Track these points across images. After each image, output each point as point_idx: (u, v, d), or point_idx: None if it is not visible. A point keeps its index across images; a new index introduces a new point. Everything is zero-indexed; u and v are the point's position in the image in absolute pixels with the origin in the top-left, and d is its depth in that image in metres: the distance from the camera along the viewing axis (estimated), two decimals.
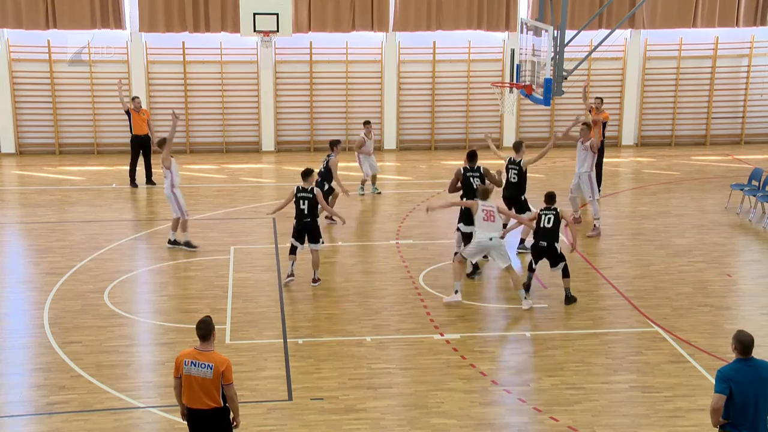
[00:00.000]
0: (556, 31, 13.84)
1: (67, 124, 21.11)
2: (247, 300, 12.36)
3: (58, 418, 9.22)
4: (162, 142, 14.23)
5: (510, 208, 13.63)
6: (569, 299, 12.25)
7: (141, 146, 18.21)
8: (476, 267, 13.09)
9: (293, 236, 12.81)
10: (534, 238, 12.37)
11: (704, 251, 14.51)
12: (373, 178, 17.89)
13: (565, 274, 12.26)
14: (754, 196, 16.20)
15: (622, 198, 18.07)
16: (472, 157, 13.25)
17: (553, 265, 12.26)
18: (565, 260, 12.24)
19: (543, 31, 14.20)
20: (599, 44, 14.86)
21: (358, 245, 14.86)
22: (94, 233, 15.30)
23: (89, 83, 20.83)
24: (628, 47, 21.85)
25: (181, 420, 7.92)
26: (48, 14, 20.22)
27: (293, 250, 12.79)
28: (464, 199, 12.93)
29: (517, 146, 14.25)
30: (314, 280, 12.87)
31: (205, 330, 7.53)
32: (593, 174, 15.27)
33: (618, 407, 9.58)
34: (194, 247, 14.27)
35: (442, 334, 11.25)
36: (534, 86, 14.69)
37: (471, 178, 13.07)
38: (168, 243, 14.32)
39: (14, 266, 14.06)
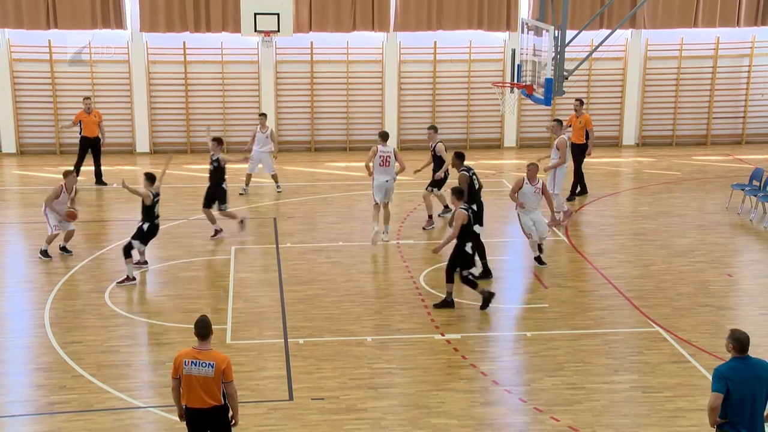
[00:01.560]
0: (556, 31, 13.84)
1: (67, 123, 21.08)
2: (247, 300, 12.36)
3: (59, 418, 9.22)
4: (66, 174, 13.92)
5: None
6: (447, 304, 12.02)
7: (90, 147, 18.16)
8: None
9: (143, 241, 13.03)
10: (470, 239, 11.84)
11: (705, 251, 14.51)
12: (275, 178, 17.72)
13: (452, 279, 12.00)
14: (755, 196, 16.20)
15: (623, 198, 18.07)
16: (462, 157, 13.79)
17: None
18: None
19: (544, 31, 14.21)
20: (600, 44, 14.86)
21: (359, 245, 14.84)
22: (94, 233, 15.30)
23: (90, 83, 20.83)
24: (629, 47, 21.85)
25: (179, 421, 7.93)
26: (49, 14, 20.23)
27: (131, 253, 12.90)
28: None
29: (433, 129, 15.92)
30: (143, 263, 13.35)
31: (204, 329, 7.59)
32: (558, 170, 15.56)
33: (618, 407, 9.58)
34: (49, 256, 13.83)
35: (442, 334, 11.25)
36: (535, 86, 14.70)
37: (473, 178, 13.28)
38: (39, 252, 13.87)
39: (15, 266, 14.06)
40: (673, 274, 13.49)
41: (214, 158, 14.75)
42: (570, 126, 17.40)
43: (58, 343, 10.94)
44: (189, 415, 7.70)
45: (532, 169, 13.28)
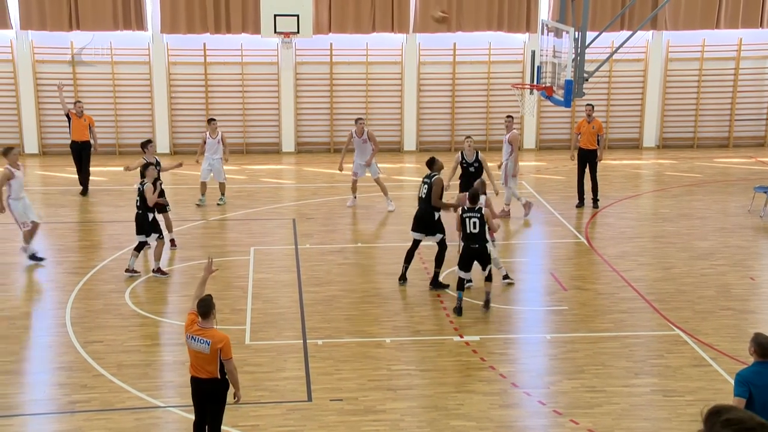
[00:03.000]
0: (577, 33, 13.79)
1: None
2: (266, 301, 12.39)
3: (79, 417, 9.28)
4: (6, 151, 13.53)
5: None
6: (488, 304, 11.86)
7: (80, 152, 17.74)
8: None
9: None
10: (463, 240, 11.77)
11: (727, 254, 14.39)
12: (221, 187, 16.79)
13: (489, 277, 11.89)
14: None
15: (644, 200, 17.95)
16: (429, 162, 13.09)
17: (484, 266, 11.81)
18: (491, 262, 11.95)
19: (564, 33, 14.16)
20: (621, 45, 14.78)
21: (378, 246, 14.85)
22: (115, 233, 15.39)
23: (111, 84, 20.98)
24: (650, 48, 21.71)
25: None
26: (71, 16, 20.40)
27: (140, 247, 13.15)
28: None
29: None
30: (154, 271, 13.15)
31: (206, 308, 8.02)
32: (510, 164, 15.75)
33: (639, 411, 9.51)
34: (40, 259, 13.70)
35: (461, 336, 11.22)
36: (555, 88, 14.64)
37: (423, 185, 12.87)
38: (28, 258, 13.69)
39: (37, 266, 14.16)
40: (695, 277, 13.39)
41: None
42: (579, 133, 17.11)
43: (79, 342, 11.01)
44: (191, 383, 8.19)
45: (481, 187, 12.50)
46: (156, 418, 9.36)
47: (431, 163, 13.02)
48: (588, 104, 17.22)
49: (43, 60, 20.90)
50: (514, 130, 16.27)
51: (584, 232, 15.49)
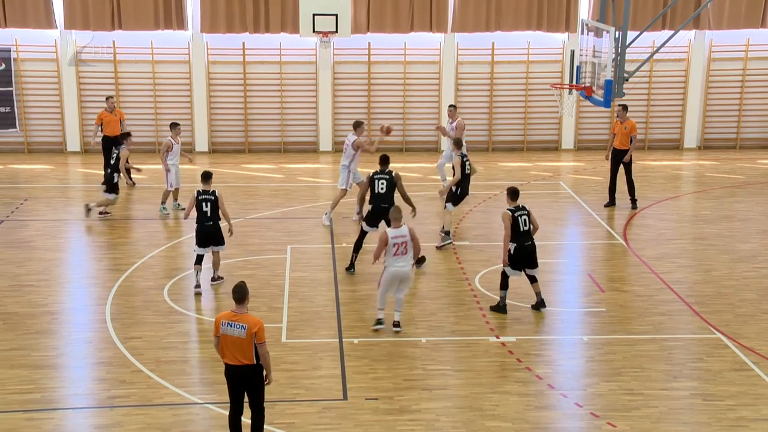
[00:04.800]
0: (617, 32, 13.65)
1: (130, 123, 21.46)
2: (303, 299, 12.45)
3: (119, 412, 9.42)
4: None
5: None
6: (541, 303, 11.87)
7: (114, 146, 17.35)
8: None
9: (197, 243, 12.59)
10: (515, 241, 11.66)
11: None
12: (176, 193, 16.44)
13: (534, 279, 11.85)
14: None
15: (684, 201, 17.71)
16: (385, 161, 13.51)
17: (534, 265, 11.78)
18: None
19: (604, 32, 14.03)
20: (662, 45, 14.60)
21: None
22: (154, 230, 15.58)
23: (152, 83, 21.23)
24: (692, 48, 21.41)
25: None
26: (114, 16, 20.68)
27: (199, 260, 12.59)
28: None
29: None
30: (214, 279, 12.84)
31: (240, 294, 8.31)
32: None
33: (678, 414, 9.39)
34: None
35: (497, 337, 11.18)
36: (594, 88, 14.52)
37: (377, 181, 13.31)
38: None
39: (78, 262, 14.40)
40: (736, 279, 13.18)
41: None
42: (614, 133, 16.87)
43: (118, 338, 11.16)
44: (226, 371, 8.40)
45: (395, 213, 11.36)
46: (193, 414, 9.45)
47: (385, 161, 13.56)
48: (619, 105, 17.02)
49: (85, 59, 21.19)
50: (442, 126, 16.79)
51: (622, 234, 15.33)
